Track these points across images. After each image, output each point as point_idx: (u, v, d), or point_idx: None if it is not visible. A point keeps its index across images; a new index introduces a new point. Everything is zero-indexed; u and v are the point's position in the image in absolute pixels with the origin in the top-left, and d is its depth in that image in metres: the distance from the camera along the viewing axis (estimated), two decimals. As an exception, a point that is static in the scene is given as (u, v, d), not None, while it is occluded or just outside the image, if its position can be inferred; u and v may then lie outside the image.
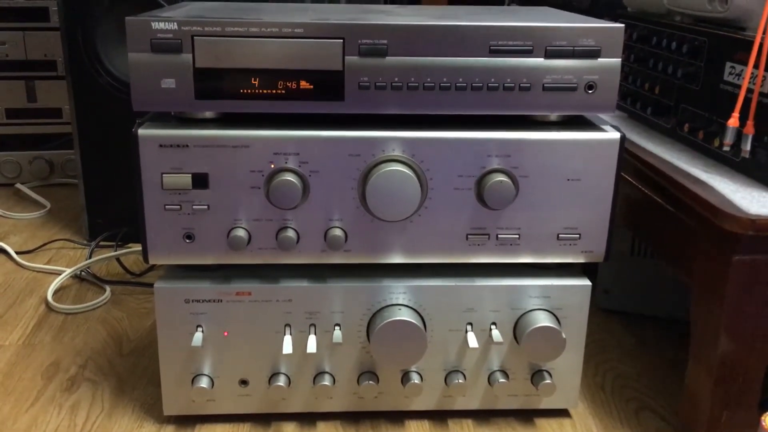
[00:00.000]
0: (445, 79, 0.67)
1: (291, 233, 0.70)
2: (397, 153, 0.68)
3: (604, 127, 0.71)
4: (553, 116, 0.71)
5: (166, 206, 0.69)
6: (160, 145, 0.67)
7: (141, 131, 0.67)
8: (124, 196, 1.19)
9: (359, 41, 0.66)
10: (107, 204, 1.22)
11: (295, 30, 0.66)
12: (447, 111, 0.68)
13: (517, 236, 0.71)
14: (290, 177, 0.67)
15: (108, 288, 1.06)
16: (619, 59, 0.67)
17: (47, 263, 1.15)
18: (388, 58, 0.66)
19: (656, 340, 0.96)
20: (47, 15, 1.44)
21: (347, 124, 0.69)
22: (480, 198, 0.70)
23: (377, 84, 0.67)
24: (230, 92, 0.67)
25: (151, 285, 1.03)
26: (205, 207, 0.69)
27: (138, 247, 1.17)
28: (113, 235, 1.20)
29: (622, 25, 0.67)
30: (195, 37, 0.65)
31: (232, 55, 0.66)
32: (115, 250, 1.17)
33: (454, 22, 0.66)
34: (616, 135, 0.69)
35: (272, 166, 0.68)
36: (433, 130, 0.69)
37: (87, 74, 1.15)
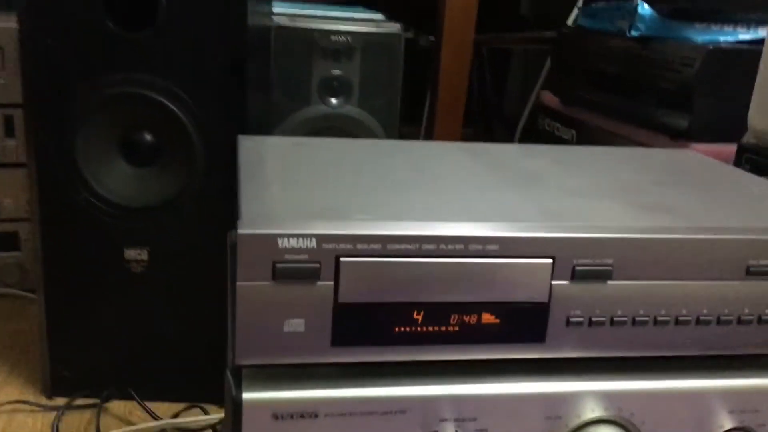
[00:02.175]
0: (684, 311, 0.47)
1: None
2: (604, 412, 0.48)
3: None
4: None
5: (276, 500, 0.45)
6: (275, 416, 0.44)
7: (248, 396, 0.44)
8: (101, 339, 0.93)
9: (574, 261, 0.45)
10: (77, 349, 0.95)
11: (487, 247, 0.44)
12: (681, 352, 0.49)
13: None
14: (461, 452, 0.46)
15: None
16: None
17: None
18: (612, 283, 0.46)
19: None
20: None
21: (533, 373, 0.48)
22: (711, 465, 0.50)
23: (593, 319, 0.46)
24: (382, 334, 0.45)
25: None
26: (334, 498, 0.46)
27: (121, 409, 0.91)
28: (90, 394, 0.93)
29: None
30: (342, 260, 0.43)
31: (395, 282, 0.44)
32: (98, 418, 0.90)
33: (705, 235, 0.47)
34: None
35: (436, 436, 0.47)
36: (647, 378, 0.49)
37: (61, 190, 0.89)
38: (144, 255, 0.91)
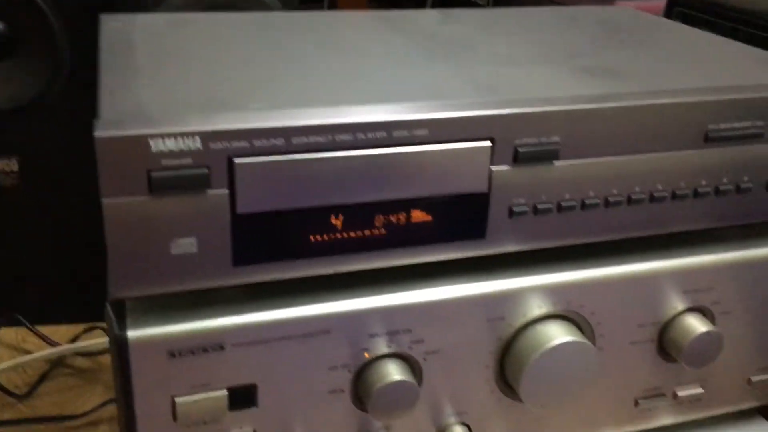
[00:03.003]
0: (637, 189, 0.42)
1: (390, 446, 0.43)
2: (552, 307, 0.43)
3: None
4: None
5: (184, 447, 0.39)
6: (171, 354, 0.36)
7: (135, 333, 0.36)
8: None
9: (516, 142, 0.38)
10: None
11: (415, 132, 0.36)
12: (633, 233, 0.43)
13: (701, 390, 0.49)
14: (396, 369, 0.40)
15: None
16: None
17: None
18: (558, 164, 0.40)
19: None
20: None
21: (470, 272, 0.42)
22: (664, 351, 0.46)
23: (539, 207, 0.40)
24: (295, 246, 0.37)
25: (47, 419, 0.71)
26: (252, 436, 0.40)
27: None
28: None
29: None
30: (236, 161, 0.34)
31: (305, 184, 0.35)
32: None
33: (661, 99, 0.40)
34: None
35: (366, 355, 0.40)
36: (596, 266, 0.43)
37: None
38: (13, 165, 0.79)
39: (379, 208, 0.37)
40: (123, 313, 0.36)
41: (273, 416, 0.39)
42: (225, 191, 0.34)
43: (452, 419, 0.43)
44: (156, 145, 0.33)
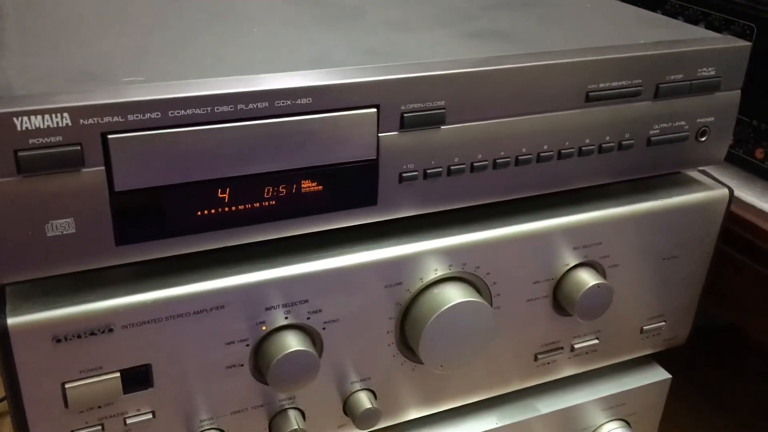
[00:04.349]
0: (524, 150, 0.42)
1: (292, 416, 0.43)
2: (448, 269, 0.43)
3: (701, 180, 0.51)
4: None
5: (77, 432, 0.38)
6: (57, 339, 0.35)
7: (16, 320, 0.34)
8: None
9: (402, 107, 0.38)
10: None
11: (298, 101, 0.36)
12: (522, 194, 0.44)
13: (596, 341, 0.51)
14: (295, 339, 0.40)
15: None
16: (739, 91, 0.47)
17: None
18: (445, 129, 0.40)
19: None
20: None
21: (365, 240, 0.42)
22: (558, 306, 0.48)
23: (428, 171, 0.40)
24: (181, 222, 0.36)
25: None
26: (149, 416, 0.39)
27: None
28: None
29: (748, 43, 0.47)
30: (110, 137, 0.33)
31: (186, 158, 0.35)
32: None
33: (542, 61, 0.41)
34: (724, 191, 0.50)
35: (264, 328, 0.40)
36: (488, 228, 0.44)
37: None
38: None
39: (268, 180, 0.37)
40: (2, 300, 0.35)
41: (171, 396, 0.39)
42: (101, 168, 0.33)
43: (356, 386, 0.44)
44: (22, 124, 0.31)
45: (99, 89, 0.33)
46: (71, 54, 0.38)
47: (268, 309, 0.39)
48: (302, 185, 0.38)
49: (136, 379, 0.37)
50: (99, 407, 0.37)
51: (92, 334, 0.35)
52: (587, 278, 0.47)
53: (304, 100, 0.36)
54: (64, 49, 0.38)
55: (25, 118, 0.31)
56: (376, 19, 0.48)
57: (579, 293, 0.46)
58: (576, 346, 0.50)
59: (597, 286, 0.46)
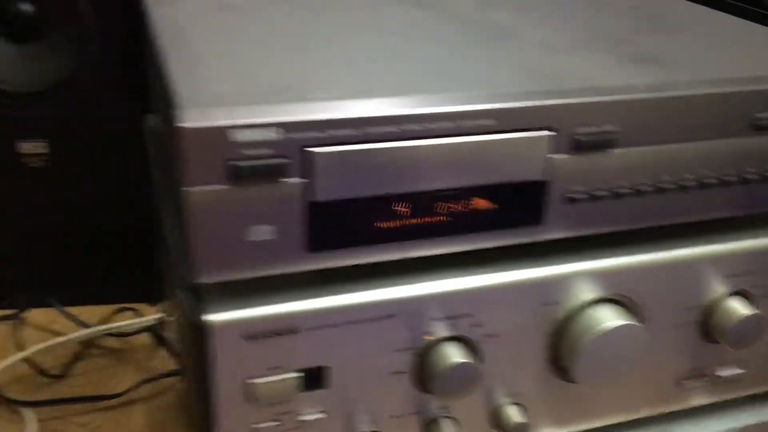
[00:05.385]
0: (687, 176, 0.43)
1: (446, 425, 0.44)
2: (604, 291, 0.44)
3: None
4: None
5: (255, 426, 0.40)
6: (247, 337, 0.38)
7: (213, 318, 0.37)
8: (4, 245, 0.83)
9: (575, 131, 0.39)
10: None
11: (481, 122, 0.37)
12: (682, 219, 0.44)
13: (742, 371, 0.51)
14: (455, 351, 0.41)
15: (27, 412, 0.72)
16: None
17: None
18: (615, 152, 0.41)
19: None
20: None
21: (523, 258, 0.43)
22: (706, 333, 0.48)
23: (595, 194, 0.41)
24: (366, 233, 0.38)
25: (85, 399, 0.72)
26: (322, 415, 0.41)
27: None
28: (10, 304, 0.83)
29: None
30: (314, 151, 0.35)
31: (376, 172, 0.37)
32: (18, 329, 0.81)
33: (712, 89, 0.41)
34: None
35: (428, 338, 0.41)
36: (644, 252, 0.45)
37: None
38: (43, 147, 0.79)
39: (443, 196, 0.38)
40: (200, 300, 0.38)
41: (341, 397, 0.41)
42: (301, 180, 0.35)
43: (508, 399, 0.45)
44: (236, 136, 0.34)
45: (301, 104, 0.35)
46: (264, 69, 0.40)
47: (433, 320, 0.41)
48: (474, 202, 0.39)
49: (314, 379, 0.39)
50: (278, 404, 0.39)
51: (278, 334, 0.38)
52: (740, 308, 0.46)
53: (486, 122, 0.37)
54: (257, 65, 0.41)
55: (240, 131, 0.34)
56: (528, 39, 0.49)
57: (731, 323, 0.46)
58: (721, 375, 0.50)
59: (750, 316, 0.46)
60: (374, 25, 0.51)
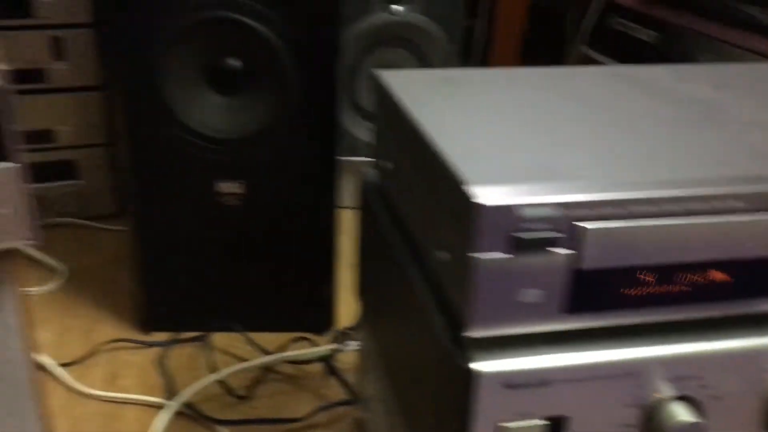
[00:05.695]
0: None
1: (664, 477, 0.47)
2: (823, 358, 0.47)
3: None
4: None
5: (500, 466, 0.44)
6: (507, 386, 0.42)
7: (479, 366, 0.42)
8: (195, 274, 0.91)
9: (814, 213, 0.43)
10: (172, 284, 0.93)
11: (730, 204, 0.41)
12: None
13: None
14: (684, 411, 0.44)
15: (222, 429, 0.79)
16: None
17: (114, 388, 0.86)
18: None
19: None
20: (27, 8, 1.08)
21: (750, 327, 0.46)
22: None
23: (825, 271, 0.44)
24: (616, 299, 0.42)
25: (270, 421, 0.78)
26: (561, 459, 0.45)
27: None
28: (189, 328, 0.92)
29: None
30: (586, 226, 0.40)
31: (636, 246, 0.41)
32: (207, 352, 0.89)
33: None
34: None
35: (657, 395, 0.45)
36: None
37: (146, 124, 0.84)
38: (238, 188, 0.87)
39: (688, 268, 0.42)
40: (466, 350, 0.42)
41: (579, 444, 0.45)
42: (569, 251, 0.40)
43: (721, 457, 0.48)
44: (520, 212, 0.39)
45: (572, 184, 0.40)
46: (520, 147, 0.45)
47: (664, 380, 0.44)
48: (714, 275, 0.43)
49: (557, 427, 0.44)
50: (520, 447, 0.44)
51: (534, 385, 0.42)
52: None
53: (736, 203, 0.41)
54: (513, 143, 0.46)
55: (523, 209, 0.39)
56: (737, 117, 0.52)
57: None
58: None
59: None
60: (594, 101, 0.55)
